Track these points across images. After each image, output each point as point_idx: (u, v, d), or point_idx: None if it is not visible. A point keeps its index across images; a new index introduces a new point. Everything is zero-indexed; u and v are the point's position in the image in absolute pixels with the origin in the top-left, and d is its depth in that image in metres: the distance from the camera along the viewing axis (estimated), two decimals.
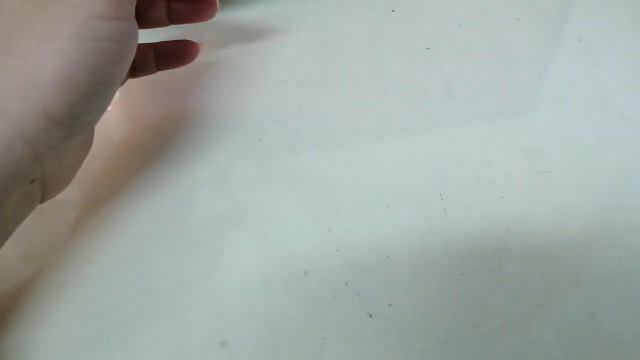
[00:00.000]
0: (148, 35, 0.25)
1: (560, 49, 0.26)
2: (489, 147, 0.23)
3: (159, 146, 0.25)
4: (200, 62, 0.29)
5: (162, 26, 0.24)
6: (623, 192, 0.21)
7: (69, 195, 0.24)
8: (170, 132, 0.26)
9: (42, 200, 0.20)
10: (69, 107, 0.16)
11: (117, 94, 0.28)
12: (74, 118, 0.17)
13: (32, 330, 0.20)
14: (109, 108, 0.27)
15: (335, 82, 0.27)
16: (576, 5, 0.28)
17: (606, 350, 0.18)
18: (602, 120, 0.23)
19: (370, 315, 0.19)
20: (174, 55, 0.25)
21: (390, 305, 0.19)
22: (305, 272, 0.20)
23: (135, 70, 0.25)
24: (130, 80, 0.25)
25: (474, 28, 0.28)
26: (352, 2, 0.30)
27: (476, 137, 0.24)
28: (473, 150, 0.23)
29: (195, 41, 0.26)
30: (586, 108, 0.24)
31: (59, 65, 0.16)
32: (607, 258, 0.20)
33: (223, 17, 0.30)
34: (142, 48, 0.25)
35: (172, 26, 0.25)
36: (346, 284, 0.20)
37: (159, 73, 0.26)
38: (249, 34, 0.30)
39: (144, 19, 0.23)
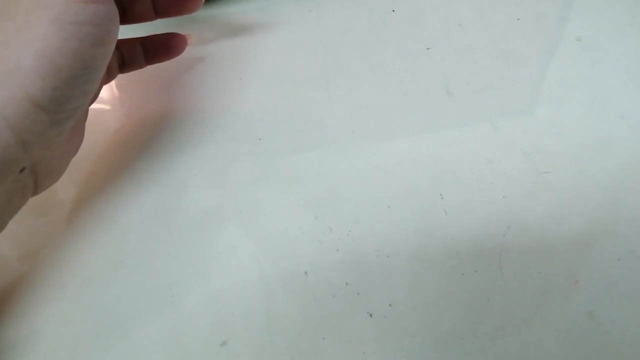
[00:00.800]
0: (138, 31, 0.25)
1: (559, 49, 0.26)
2: (488, 147, 0.23)
3: (157, 145, 0.25)
4: (199, 60, 0.29)
5: (149, 20, 0.24)
6: (623, 192, 0.21)
7: (65, 194, 0.24)
8: (168, 131, 0.26)
9: (35, 192, 0.20)
10: (52, 92, 0.16)
11: (114, 90, 0.28)
12: (58, 103, 0.17)
13: (30, 330, 0.20)
14: (108, 107, 0.27)
15: (335, 82, 0.27)
16: (575, 5, 0.28)
17: (606, 351, 0.18)
18: (602, 120, 0.23)
19: (371, 315, 0.19)
20: (161, 48, 0.25)
21: (390, 305, 0.19)
22: (306, 272, 0.20)
23: (124, 65, 0.25)
24: (127, 76, 0.25)
25: (474, 28, 0.28)
26: (352, 1, 0.30)
27: (476, 137, 0.24)
28: (473, 150, 0.23)
29: (183, 34, 0.26)
30: (586, 108, 0.24)
31: (40, 50, 0.16)
32: (606, 258, 0.20)
33: (224, 15, 0.30)
34: (130, 42, 0.25)
35: (175, 25, 0.25)
36: (346, 283, 0.20)
37: (159, 70, 0.26)
38: (250, 33, 0.30)
39: (130, 14, 0.23)
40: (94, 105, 0.26)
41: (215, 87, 0.27)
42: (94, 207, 0.23)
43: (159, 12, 0.24)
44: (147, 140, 0.25)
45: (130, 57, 0.25)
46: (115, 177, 0.24)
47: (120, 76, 0.25)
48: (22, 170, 0.17)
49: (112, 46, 0.19)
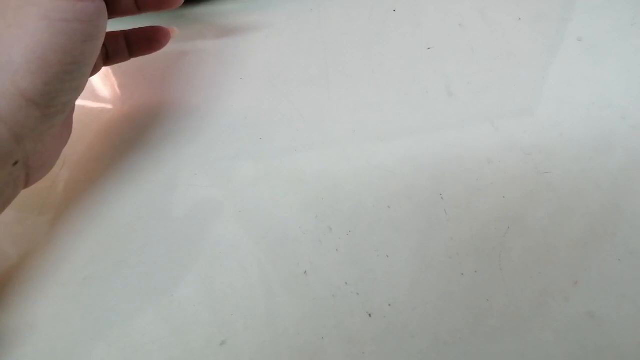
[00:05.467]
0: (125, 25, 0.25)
1: (560, 49, 0.26)
2: (489, 147, 0.23)
3: (158, 145, 0.25)
4: (200, 59, 0.29)
5: (132, 15, 0.24)
6: (623, 193, 0.21)
7: (66, 193, 0.24)
8: (169, 130, 0.26)
9: (26, 185, 0.20)
10: (43, 87, 0.17)
11: (116, 90, 0.28)
12: (49, 98, 0.17)
13: (30, 328, 0.20)
14: (110, 107, 0.27)
15: (335, 81, 0.27)
16: (576, 5, 0.28)
17: (605, 351, 0.18)
18: (602, 120, 0.23)
19: (370, 315, 0.19)
20: (144, 41, 0.26)
21: (389, 305, 0.19)
22: (305, 272, 0.20)
23: (109, 57, 0.25)
24: (129, 75, 0.25)
25: (475, 28, 0.28)
26: (353, 1, 0.30)
27: (476, 137, 0.24)
28: (473, 150, 0.23)
29: (166, 27, 0.26)
30: (587, 108, 0.24)
31: (30, 47, 0.16)
32: (606, 258, 0.20)
33: (224, 14, 0.30)
34: (114, 35, 0.25)
35: (176, 23, 0.25)
36: (346, 283, 0.20)
37: (160, 69, 0.26)
38: (251, 33, 0.30)
39: (113, 9, 0.23)
40: (95, 106, 0.26)
41: (216, 87, 0.27)
42: (95, 206, 0.23)
43: (141, 7, 0.24)
44: (148, 140, 0.25)
45: (114, 50, 0.25)
46: (116, 177, 0.24)
47: (122, 75, 0.25)
48: (15, 163, 0.18)
49: (101, 42, 0.19)
